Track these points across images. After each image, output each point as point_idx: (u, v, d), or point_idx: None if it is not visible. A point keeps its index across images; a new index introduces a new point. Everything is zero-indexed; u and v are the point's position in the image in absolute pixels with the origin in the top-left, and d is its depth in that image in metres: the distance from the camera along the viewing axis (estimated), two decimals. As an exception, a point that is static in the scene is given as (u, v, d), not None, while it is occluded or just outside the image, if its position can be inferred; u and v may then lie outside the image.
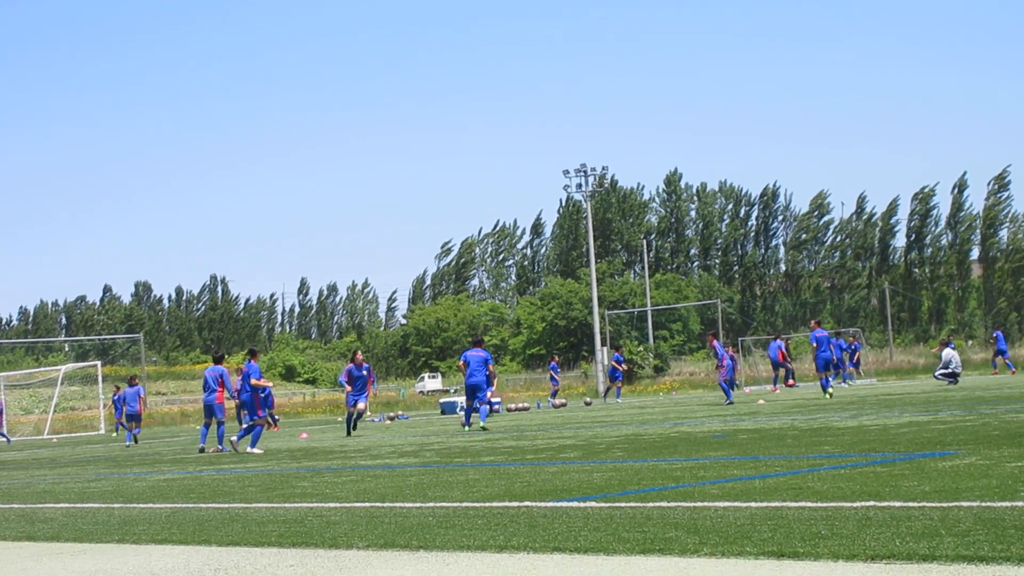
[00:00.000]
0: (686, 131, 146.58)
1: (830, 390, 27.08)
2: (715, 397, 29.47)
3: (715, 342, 30.14)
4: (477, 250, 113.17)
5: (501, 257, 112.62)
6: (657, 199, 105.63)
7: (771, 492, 7.60)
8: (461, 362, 23.27)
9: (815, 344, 28.77)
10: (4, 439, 38.67)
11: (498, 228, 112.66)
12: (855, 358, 43.03)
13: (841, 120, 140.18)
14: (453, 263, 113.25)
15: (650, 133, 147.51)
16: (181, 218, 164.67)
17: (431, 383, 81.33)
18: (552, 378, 43.32)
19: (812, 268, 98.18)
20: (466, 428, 22.38)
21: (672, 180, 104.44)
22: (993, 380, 34.33)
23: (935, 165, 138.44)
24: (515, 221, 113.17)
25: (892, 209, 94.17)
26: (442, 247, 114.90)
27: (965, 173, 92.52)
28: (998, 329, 48.99)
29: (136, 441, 29.46)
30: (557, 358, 48.67)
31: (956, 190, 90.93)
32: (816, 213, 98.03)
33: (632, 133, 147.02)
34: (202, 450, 20.88)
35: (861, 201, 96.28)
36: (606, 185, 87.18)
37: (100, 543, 7.56)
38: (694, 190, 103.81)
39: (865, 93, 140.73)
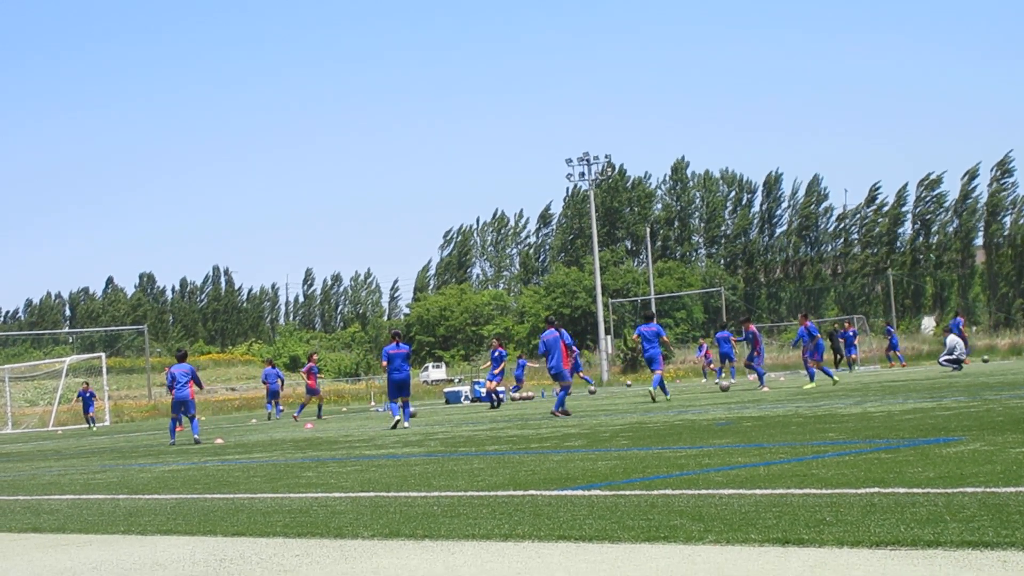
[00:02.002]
0: (693, 119, 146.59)
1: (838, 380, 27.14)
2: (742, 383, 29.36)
3: (752, 327, 30.16)
4: (476, 238, 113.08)
5: (501, 245, 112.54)
6: (663, 187, 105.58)
7: (775, 479, 7.60)
8: (635, 336, 24.76)
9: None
10: None
11: (497, 216, 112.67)
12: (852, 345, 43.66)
13: (847, 108, 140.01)
14: (455, 251, 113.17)
15: (656, 121, 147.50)
16: (184, 209, 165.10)
17: (435, 372, 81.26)
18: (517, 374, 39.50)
19: (814, 254, 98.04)
20: (667, 397, 24.19)
21: (679, 168, 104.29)
22: (983, 368, 34.36)
23: (940, 153, 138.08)
24: (521, 211, 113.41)
25: (901, 198, 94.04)
26: (444, 237, 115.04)
27: (979, 163, 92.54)
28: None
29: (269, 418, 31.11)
30: (502, 347, 41.09)
31: (967, 177, 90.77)
32: (815, 199, 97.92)
33: (639, 122, 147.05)
34: (173, 443, 21.23)
35: (874, 189, 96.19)
36: (612, 174, 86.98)
37: (106, 534, 7.57)
38: (699, 178, 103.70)
39: (869, 84, 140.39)
